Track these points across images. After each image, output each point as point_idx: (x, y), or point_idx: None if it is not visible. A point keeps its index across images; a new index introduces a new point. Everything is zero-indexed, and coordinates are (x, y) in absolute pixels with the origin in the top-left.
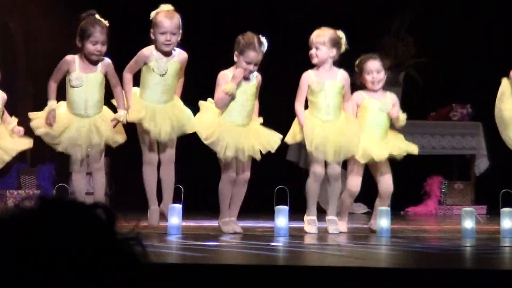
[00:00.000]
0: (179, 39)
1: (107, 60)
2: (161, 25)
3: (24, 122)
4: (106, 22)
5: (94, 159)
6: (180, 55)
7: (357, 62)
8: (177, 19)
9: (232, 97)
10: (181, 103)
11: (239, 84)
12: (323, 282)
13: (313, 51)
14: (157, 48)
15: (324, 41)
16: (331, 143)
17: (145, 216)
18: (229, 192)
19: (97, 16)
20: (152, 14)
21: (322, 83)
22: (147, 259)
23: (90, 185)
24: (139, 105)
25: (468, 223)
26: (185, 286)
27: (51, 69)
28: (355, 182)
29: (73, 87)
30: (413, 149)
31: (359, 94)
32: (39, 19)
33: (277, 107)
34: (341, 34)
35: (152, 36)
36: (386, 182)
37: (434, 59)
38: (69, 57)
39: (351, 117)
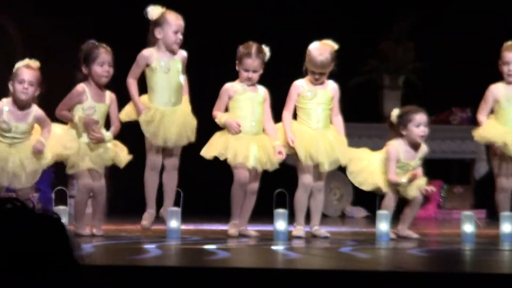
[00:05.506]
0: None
1: (113, 94)
2: (174, 23)
3: None
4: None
5: (97, 178)
6: (181, 54)
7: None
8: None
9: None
10: (189, 108)
11: (246, 93)
12: (323, 285)
13: None
14: (160, 48)
15: None
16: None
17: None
18: (239, 197)
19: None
20: (156, 14)
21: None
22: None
23: None
24: (150, 108)
25: (468, 227)
26: None
27: (50, 73)
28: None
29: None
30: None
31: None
32: (37, 19)
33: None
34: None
35: (158, 36)
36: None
37: (434, 63)
38: (80, 88)
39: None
